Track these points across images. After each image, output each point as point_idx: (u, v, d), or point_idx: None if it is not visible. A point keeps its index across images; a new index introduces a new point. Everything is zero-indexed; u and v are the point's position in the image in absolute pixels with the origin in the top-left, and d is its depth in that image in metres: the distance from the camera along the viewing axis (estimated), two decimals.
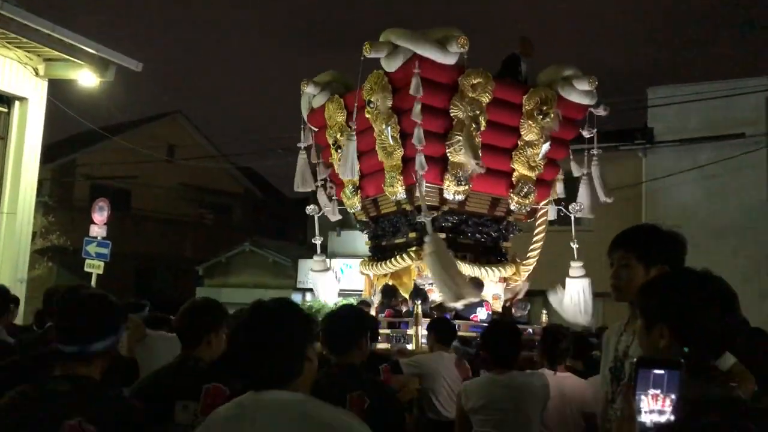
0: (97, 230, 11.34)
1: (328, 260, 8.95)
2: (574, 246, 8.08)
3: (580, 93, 7.78)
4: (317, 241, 9.07)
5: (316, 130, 8.57)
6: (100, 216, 11.40)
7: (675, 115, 13.59)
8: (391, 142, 7.36)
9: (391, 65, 7.14)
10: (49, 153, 16.85)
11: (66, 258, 16.31)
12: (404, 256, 7.63)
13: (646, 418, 0.98)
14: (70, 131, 20.56)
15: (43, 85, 10.27)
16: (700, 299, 1.74)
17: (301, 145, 8.57)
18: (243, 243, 19.51)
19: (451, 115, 7.27)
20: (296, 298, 17.91)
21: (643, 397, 0.98)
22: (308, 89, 8.25)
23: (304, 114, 8.54)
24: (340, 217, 9.04)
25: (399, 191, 7.45)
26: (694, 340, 1.72)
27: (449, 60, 7.14)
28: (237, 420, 1.78)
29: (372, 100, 7.39)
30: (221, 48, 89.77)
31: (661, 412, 0.97)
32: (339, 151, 7.97)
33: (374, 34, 7.34)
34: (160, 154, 20.10)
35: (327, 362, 2.90)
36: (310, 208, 8.89)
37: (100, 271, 11.13)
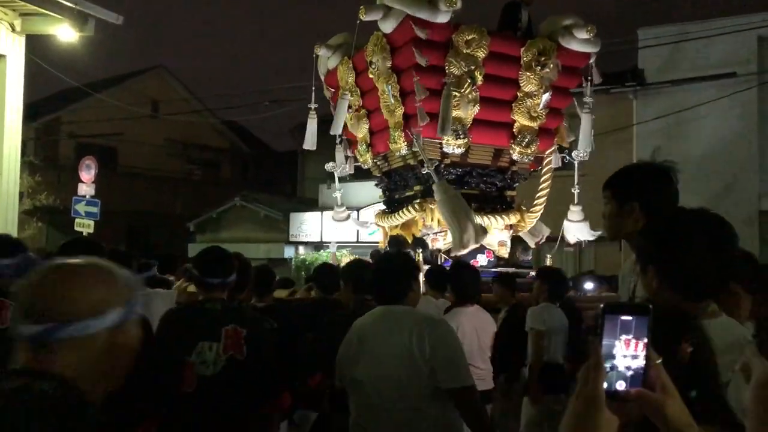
0: (86, 189, 11.24)
1: (347, 211, 9.49)
2: (576, 191, 8.22)
3: (579, 41, 7.84)
4: (337, 194, 9.39)
5: (333, 91, 8.81)
6: (87, 174, 11.28)
7: (665, 55, 13.43)
8: (392, 101, 7.64)
9: (387, 27, 7.39)
10: (31, 111, 16.55)
11: (55, 218, 16.18)
12: (410, 208, 7.99)
13: (620, 363, 0.95)
14: (52, 89, 20.18)
15: (20, 41, 9.97)
16: (687, 241, 1.72)
17: (312, 105, 8.85)
18: (233, 198, 19.40)
19: (447, 71, 7.38)
20: (289, 251, 17.92)
21: (616, 342, 0.95)
22: (321, 52, 8.53)
23: (322, 76, 8.85)
24: (351, 171, 9.36)
25: (402, 147, 7.76)
26: (680, 283, 1.71)
27: (441, 18, 7.25)
28: (376, 320, 2.99)
29: (373, 60, 7.67)
30: (200, 1, 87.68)
31: (634, 357, 0.95)
32: (350, 110, 8.38)
33: None
34: (144, 110, 19.79)
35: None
36: (329, 165, 9.15)
37: (91, 230, 11.06)
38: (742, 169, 12.80)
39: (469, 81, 7.37)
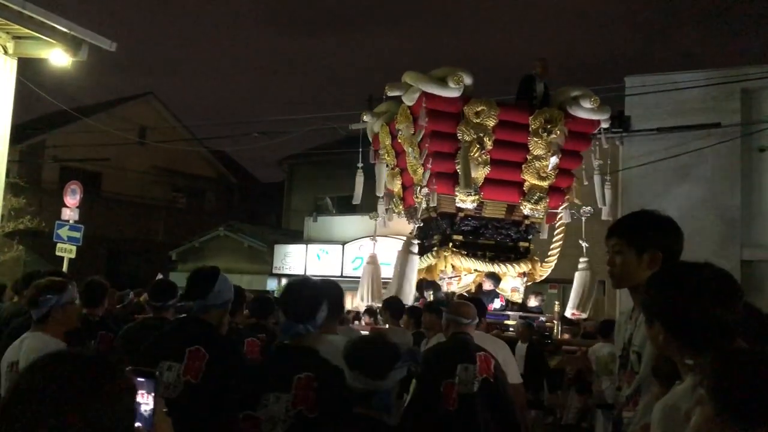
0: (69, 214, 11.10)
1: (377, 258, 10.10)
2: (584, 244, 9.19)
3: (585, 110, 8.93)
4: (373, 242, 10.28)
5: (378, 151, 9.98)
6: (72, 199, 11.14)
7: (652, 103, 13.65)
8: (414, 162, 8.94)
9: (409, 100, 8.63)
10: (17, 133, 16.39)
11: (35, 241, 15.94)
12: (429, 255, 9.08)
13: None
14: (39, 111, 20.06)
15: (12, 64, 9.92)
16: (691, 294, 1.73)
17: (359, 165, 10.05)
18: (217, 228, 19.25)
19: (458, 138, 8.51)
20: (272, 283, 17.76)
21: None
22: (366, 118, 9.97)
23: (370, 138, 10.12)
24: (391, 220, 10.38)
25: (423, 201, 8.95)
26: (686, 336, 1.73)
27: (452, 93, 8.42)
28: None
29: (400, 128, 8.99)
30: (195, 30, 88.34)
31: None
32: (388, 168, 9.79)
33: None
34: (131, 137, 19.71)
35: None
36: (371, 215, 10.25)
37: (72, 255, 10.89)
38: (725, 218, 12.93)
39: (478, 146, 8.51)
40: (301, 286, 2.76)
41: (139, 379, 1.32)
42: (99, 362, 1.20)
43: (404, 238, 11.14)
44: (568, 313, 9.18)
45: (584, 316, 9.20)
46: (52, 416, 1.10)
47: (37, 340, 3.19)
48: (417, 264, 9.02)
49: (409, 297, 8.51)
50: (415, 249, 9.27)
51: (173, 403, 2.65)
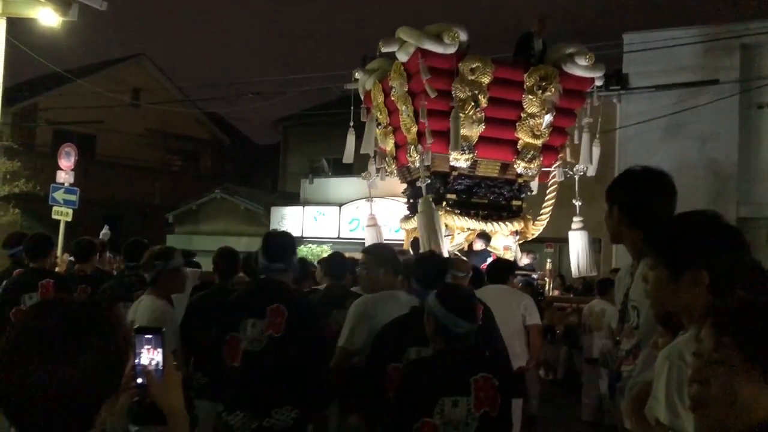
0: (64, 176, 11.03)
1: (377, 217, 10.26)
2: (578, 203, 9.16)
3: (580, 67, 8.82)
4: (369, 202, 10.43)
5: (369, 109, 9.85)
6: (67, 162, 11.06)
7: (650, 60, 13.51)
8: (408, 120, 8.75)
9: (403, 56, 8.48)
10: (9, 96, 16.19)
11: (31, 205, 15.88)
12: None
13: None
14: (30, 74, 19.81)
15: (1, 24, 9.75)
16: (736, 242, 1.75)
17: (351, 124, 9.88)
18: (213, 190, 19.18)
19: (453, 95, 8.38)
20: None
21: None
22: (358, 75, 9.76)
23: (361, 95, 9.91)
24: (383, 180, 10.36)
25: (416, 160, 8.75)
26: (731, 282, 1.70)
27: (448, 50, 8.30)
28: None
29: (394, 85, 8.80)
30: None
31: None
32: (380, 126, 9.63)
33: None
34: (124, 99, 19.50)
35: None
36: (364, 174, 10.17)
37: (69, 219, 10.85)
38: (721, 175, 12.93)
39: (473, 104, 8.43)
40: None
41: (146, 336, 1.43)
42: (90, 307, 1.31)
43: (398, 198, 11.25)
44: (576, 275, 9.30)
45: (594, 273, 9.32)
46: (47, 353, 1.19)
47: (148, 301, 3.78)
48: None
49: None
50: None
51: (258, 354, 3.19)
